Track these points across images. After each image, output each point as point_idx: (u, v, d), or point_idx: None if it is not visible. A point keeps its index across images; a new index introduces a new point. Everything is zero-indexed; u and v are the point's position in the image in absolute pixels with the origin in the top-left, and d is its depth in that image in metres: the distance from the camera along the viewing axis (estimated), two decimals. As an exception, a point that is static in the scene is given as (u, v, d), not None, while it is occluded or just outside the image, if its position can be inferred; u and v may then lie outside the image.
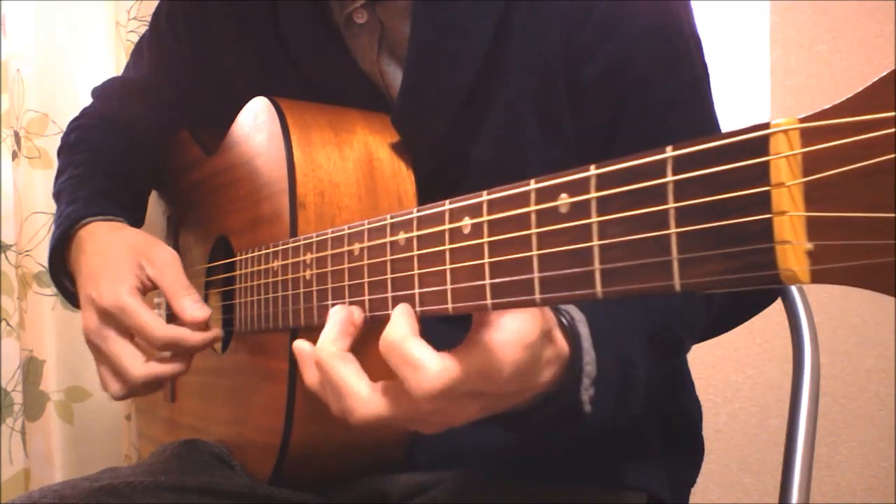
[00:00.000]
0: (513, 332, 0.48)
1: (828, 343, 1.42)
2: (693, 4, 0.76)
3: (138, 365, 0.75)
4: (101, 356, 0.78)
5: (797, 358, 0.85)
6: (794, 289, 0.88)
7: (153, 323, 0.74)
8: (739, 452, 1.53)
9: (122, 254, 0.79)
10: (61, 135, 1.01)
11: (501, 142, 0.74)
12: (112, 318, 0.75)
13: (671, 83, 0.71)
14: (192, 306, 0.75)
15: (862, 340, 1.48)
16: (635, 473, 0.77)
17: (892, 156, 0.27)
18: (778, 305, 0.87)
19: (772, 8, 1.49)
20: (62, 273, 0.87)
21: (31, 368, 1.35)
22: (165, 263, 0.78)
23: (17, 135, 1.35)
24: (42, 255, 1.30)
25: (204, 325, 0.76)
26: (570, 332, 0.54)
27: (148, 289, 0.78)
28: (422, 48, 0.73)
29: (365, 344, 0.55)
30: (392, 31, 0.78)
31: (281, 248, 0.68)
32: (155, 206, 1.05)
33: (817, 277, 0.30)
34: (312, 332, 0.69)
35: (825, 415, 1.41)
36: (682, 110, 0.72)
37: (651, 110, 0.71)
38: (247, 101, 0.81)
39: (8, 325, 1.39)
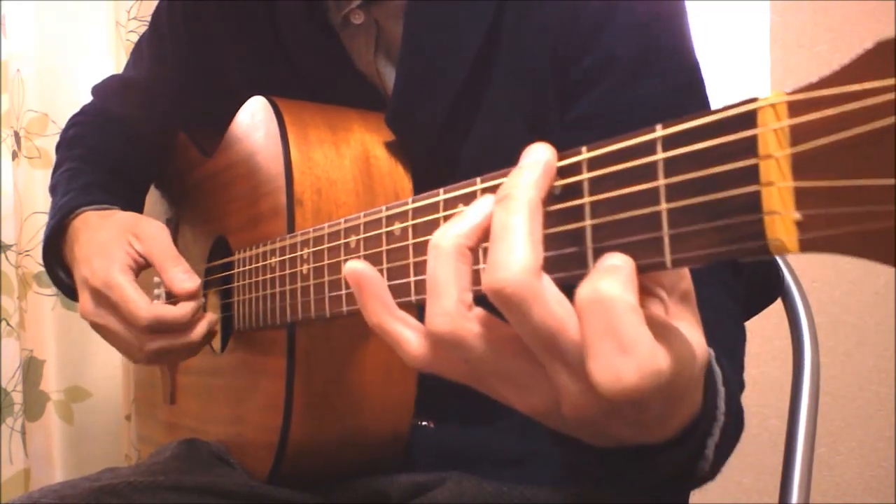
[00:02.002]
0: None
1: (828, 343, 1.42)
2: (693, 4, 0.76)
3: (146, 338, 0.75)
4: (108, 333, 0.78)
5: (797, 358, 0.85)
6: (794, 289, 0.88)
7: (138, 302, 0.74)
8: (739, 452, 1.53)
9: (112, 234, 0.79)
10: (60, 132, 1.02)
11: (489, 143, 0.74)
12: (103, 297, 0.76)
13: (659, 80, 0.70)
14: (182, 277, 0.75)
15: (862, 340, 1.48)
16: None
17: (877, 124, 0.27)
18: (778, 305, 0.87)
19: (772, 8, 1.49)
20: (57, 264, 0.87)
21: (31, 368, 1.35)
22: (152, 236, 0.78)
23: (17, 135, 1.35)
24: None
25: (193, 298, 0.76)
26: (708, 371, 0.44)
27: (141, 266, 0.78)
28: (413, 48, 0.73)
29: (362, 334, 0.54)
30: (388, 31, 0.78)
31: (278, 244, 0.68)
32: (155, 208, 1.05)
33: (806, 246, 0.30)
34: (308, 326, 0.70)
35: (825, 415, 1.40)
36: (672, 107, 0.71)
37: (638, 107, 0.70)
38: (245, 101, 0.81)
39: (8, 325, 1.39)
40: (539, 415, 0.40)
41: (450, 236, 0.39)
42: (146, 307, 0.73)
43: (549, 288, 0.36)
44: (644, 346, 0.33)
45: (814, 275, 1.46)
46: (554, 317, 0.35)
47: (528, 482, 0.71)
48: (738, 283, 0.68)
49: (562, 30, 0.70)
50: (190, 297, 0.75)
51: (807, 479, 0.78)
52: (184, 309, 0.75)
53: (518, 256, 0.35)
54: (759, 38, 1.49)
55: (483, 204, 0.40)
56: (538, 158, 0.39)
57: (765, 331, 1.50)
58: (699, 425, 0.44)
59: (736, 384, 0.51)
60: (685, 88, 0.72)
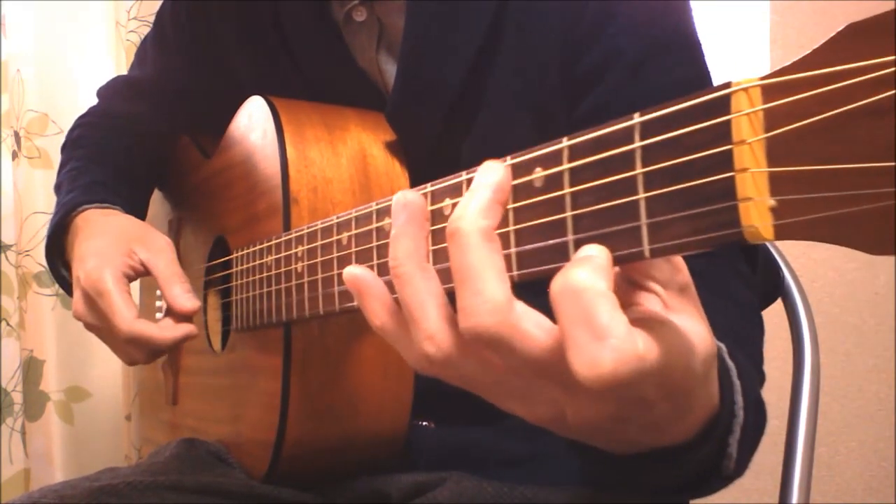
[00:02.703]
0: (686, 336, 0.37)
1: (828, 343, 1.42)
2: (693, 4, 0.76)
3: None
4: (98, 333, 0.79)
5: (797, 358, 0.85)
6: (794, 289, 0.88)
7: (122, 314, 0.74)
8: (739, 452, 1.53)
9: (113, 237, 0.80)
10: (62, 135, 1.02)
11: (491, 141, 0.73)
12: (92, 301, 0.76)
13: (665, 74, 0.69)
14: (183, 296, 0.76)
15: (862, 340, 1.48)
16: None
17: (848, 107, 0.27)
18: (778, 305, 0.87)
19: (772, 8, 1.49)
20: (59, 261, 0.88)
21: (31, 368, 1.35)
22: (159, 249, 0.79)
23: (17, 135, 1.35)
24: (42, 255, 1.30)
25: (186, 320, 0.76)
26: (721, 368, 0.44)
27: (139, 273, 0.79)
28: (414, 44, 0.73)
29: (358, 333, 0.54)
30: (390, 28, 0.78)
31: (274, 242, 0.68)
32: (159, 209, 1.05)
33: (781, 233, 0.30)
34: (305, 325, 0.70)
35: (825, 415, 1.40)
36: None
37: (644, 101, 0.69)
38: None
39: (8, 325, 1.39)
40: (547, 424, 0.39)
41: (404, 261, 0.38)
42: (128, 321, 0.74)
43: (524, 315, 0.35)
44: (618, 331, 0.32)
45: (814, 275, 1.45)
46: (537, 343, 0.35)
47: (529, 482, 0.71)
48: (752, 271, 0.68)
49: (566, 26, 0.70)
50: (185, 316, 0.76)
51: (807, 479, 0.78)
52: (168, 333, 0.75)
53: (486, 298, 0.35)
54: (759, 38, 1.49)
55: (414, 215, 0.40)
56: (486, 181, 0.37)
57: (765, 331, 1.49)
58: (718, 423, 0.43)
59: (754, 376, 0.49)
60: (691, 83, 0.71)
